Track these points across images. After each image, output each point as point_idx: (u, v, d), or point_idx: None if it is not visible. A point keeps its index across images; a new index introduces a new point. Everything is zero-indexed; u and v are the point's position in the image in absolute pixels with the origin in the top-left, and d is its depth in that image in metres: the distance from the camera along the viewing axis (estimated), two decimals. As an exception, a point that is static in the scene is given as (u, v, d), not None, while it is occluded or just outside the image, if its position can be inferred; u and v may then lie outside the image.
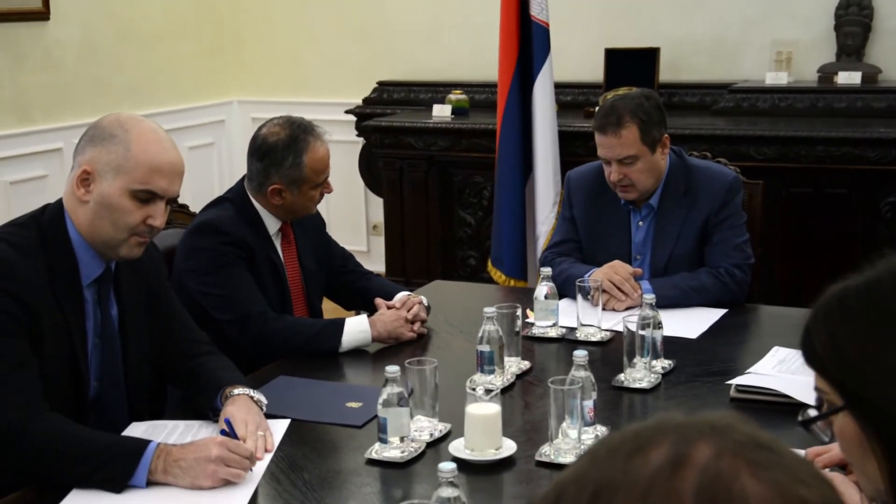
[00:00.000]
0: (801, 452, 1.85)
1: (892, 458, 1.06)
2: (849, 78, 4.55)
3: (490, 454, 1.94)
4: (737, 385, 2.23)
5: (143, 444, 1.88)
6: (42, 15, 4.88)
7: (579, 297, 2.63)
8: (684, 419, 0.70)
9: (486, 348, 2.29)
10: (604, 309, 2.71)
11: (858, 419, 1.09)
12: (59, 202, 2.05)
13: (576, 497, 0.68)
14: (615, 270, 2.83)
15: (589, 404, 1.98)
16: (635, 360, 2.33)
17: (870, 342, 1.09)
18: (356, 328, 2.59)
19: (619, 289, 2.80)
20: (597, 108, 2.97)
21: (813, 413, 1.18)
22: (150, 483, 1.84)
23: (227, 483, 1.84)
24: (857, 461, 1.12)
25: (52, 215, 2.03)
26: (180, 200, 2.97)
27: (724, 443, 0.68)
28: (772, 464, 0.67)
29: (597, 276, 2.79)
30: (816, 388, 1.15)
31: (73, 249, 2.01)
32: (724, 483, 0.65)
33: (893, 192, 4.13)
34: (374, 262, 5.34)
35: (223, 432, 1.96)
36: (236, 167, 5.82)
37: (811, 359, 1.14)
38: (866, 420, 1.08)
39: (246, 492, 1.84)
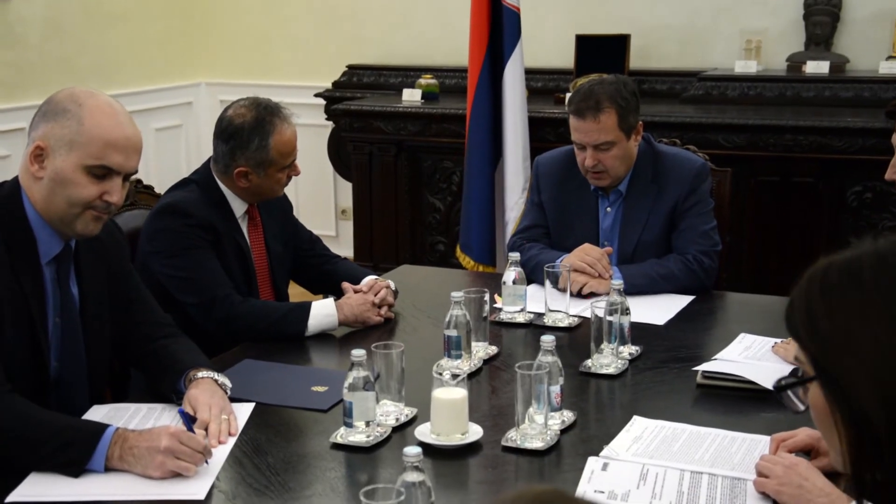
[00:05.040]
0: (767, 438, 1.86)
1: (850, 433, 1.10)
2: (817, 67, 4.58)
3: (456, 439, 1.93)
4: (703, 371, 2.24)
5: (100, 428, 1.85)
6: (5, -8, 4.79)
7: (547, 282, 2.62)
8: None
9: (453, 333, 2.28)
10: (575, 294, 2.71)
11: (825, 392, 1.12)
12: (16, 179, 2.01)
13: None
14: (586, 252, 2.82)
15: (556, 389, 1.98)
16: (602, 346, 2.32)
17: (841, 319, 1.11)
18: (323, 312, 2.57)
19: (592, 269, 2.79)
20: (571, 93, 2.93)
21: (788, 381, 1.21)
22: (109, 468, 1.82)
23: (178, 473, 1.81)
24: (826, 432, 1.15)
25: (8, 192, 1.99)
26: (146, 182, 2.94)
27: None
28: None
29: (569, 260, 2.78)
30: (796, 358, 1.19)
31: (30, 226, 1.97)
32: None
33: (860, 181, 4.16)
34: (343, 246, 5.32)
35: (183, 414, 1.94)
36: (204, 149, 5.76)
37: (790, 327, 1.17)
38: (831, 393, 1.11)
39: (208, 478, 1.82)
